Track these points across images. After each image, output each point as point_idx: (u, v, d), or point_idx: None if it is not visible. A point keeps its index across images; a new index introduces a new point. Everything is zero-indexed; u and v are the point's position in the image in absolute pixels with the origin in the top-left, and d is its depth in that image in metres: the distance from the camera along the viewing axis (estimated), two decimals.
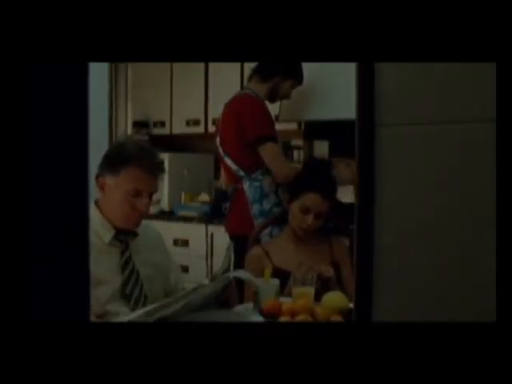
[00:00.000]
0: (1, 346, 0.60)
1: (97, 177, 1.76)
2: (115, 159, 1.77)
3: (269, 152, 2.53)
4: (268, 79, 2.68)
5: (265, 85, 2.68)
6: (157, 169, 1.82)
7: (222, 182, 2.99)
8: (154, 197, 1.84)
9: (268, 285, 1.83)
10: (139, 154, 1.77)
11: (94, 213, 1.76)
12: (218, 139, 2.75)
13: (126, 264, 1.79)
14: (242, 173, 2.63)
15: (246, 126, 2.56)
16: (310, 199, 2.11)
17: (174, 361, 0.97)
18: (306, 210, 2.11)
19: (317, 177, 2.21)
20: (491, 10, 0.72)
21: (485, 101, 0.75)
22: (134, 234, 1.83)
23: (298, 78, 2.73)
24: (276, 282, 1.86)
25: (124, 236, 1.81)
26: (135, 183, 1.75)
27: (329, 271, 1.98)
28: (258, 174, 2.59)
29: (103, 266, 1.71)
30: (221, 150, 2.72)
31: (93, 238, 1.66)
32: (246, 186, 2.62)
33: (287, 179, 2.45)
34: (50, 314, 0.63)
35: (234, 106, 2.66)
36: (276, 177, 2.55)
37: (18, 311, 0.60)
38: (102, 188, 1.77)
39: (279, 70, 2.66)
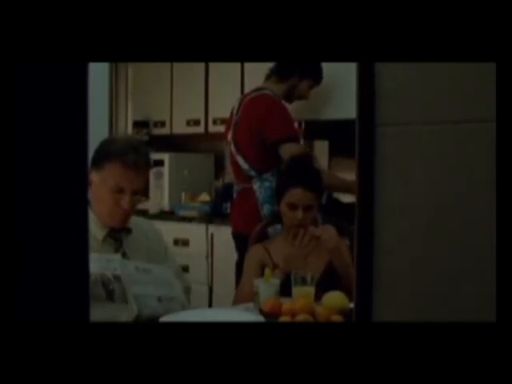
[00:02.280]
0: None
1: None
2: (100, 155, 1.74)
3: (290, 152, 2.46)
4: (285, 80, 2.68)
5: (282, 85, 2.68)
6: (141, 164, 1.76)
7: (231, 177, 2.94)
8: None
9: (268, 285, 1.83)
10: (123, 150, 1.73)
11: None
12: (230, 136, 2.71)
13: None
14: (253, 173, 2.61)
15: (267, 128, 2.53)
16: (293, 195, 2.10)
17: (175, 361, 0.97)
18: (292, 206, 2.10)
19: (295, 172, 2.20)
20: (491, 9, 0.72)
21: (485, 101, 0.75)
22: (128, 231, 1.81)
23: (315, 78, 2.73)
24: (276, 281, 1.86)
25: (118, 234, 1.79)
26: (117, 180, 1.72)
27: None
28: (269, 175, 2.58)
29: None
30: (233, 148, 2.68)
31: None
32: (256, 185, 2.60)
33: None
34: (49, 314, 0.63)
35: (255, 107, 2.61)
36: None
37: (16, 312, 0.60)
38: (89, 185, 1.74)
39: (296, 71, 2.66)
